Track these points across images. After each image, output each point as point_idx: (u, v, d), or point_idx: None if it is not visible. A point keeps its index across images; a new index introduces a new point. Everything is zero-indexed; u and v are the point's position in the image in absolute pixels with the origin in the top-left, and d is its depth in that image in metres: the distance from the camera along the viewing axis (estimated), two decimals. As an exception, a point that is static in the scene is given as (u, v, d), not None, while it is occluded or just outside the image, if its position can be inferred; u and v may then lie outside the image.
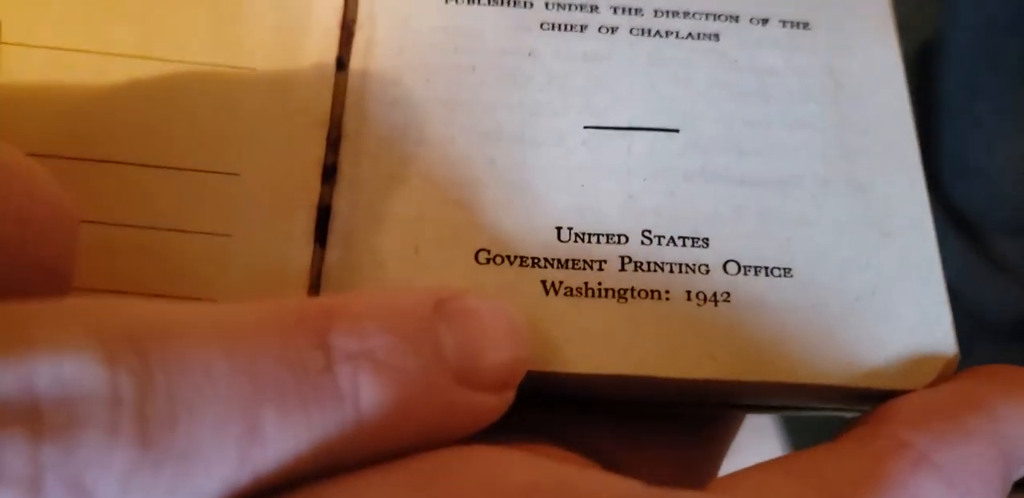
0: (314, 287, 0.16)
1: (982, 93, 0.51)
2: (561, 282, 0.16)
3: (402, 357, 0.12)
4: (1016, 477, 0.15)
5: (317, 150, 0.17)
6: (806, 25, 0.19)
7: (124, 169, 0.17)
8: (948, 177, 0.52)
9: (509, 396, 0.14)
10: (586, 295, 0.16)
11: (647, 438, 0.17)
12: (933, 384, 0.16)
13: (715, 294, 0.16)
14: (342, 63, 0.18)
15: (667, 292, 0.16)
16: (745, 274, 0.17)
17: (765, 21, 0.19)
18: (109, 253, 0.16)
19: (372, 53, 0.18)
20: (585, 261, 0.16)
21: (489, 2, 0.19)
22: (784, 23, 0.19)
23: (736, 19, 0.19)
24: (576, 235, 0.17)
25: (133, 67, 0.18)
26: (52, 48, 0.18)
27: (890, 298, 0.17)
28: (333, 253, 0.17)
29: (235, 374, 0.11)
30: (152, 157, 0.17)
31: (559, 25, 0.18)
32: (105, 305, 0.11)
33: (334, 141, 0.18)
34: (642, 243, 0.17)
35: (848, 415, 0.18)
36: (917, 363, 0.16)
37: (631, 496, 0.12)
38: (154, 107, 0.17)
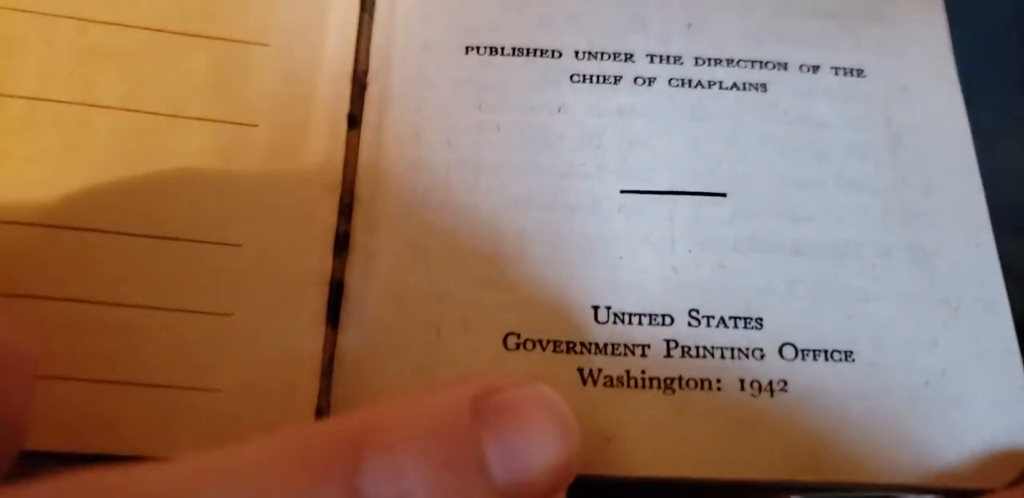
0: (326, 374, 0.15)
1: (982, 93, 0.50)
2: (600, 370, 0.15)
3: (445, 493, 0.11)
4: None
5: (328, 218, 0.16)
6: (861, 72, 0.17)
7: (107, 238, 0.15)
8: None
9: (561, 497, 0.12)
10: (628, 385, 0.15)
11: None
12: (1016, 482, 0.14)
13: (771, 383, 0.15)
14: (354, 120, 0.17)
15: (718, 381, 0.15)
16: (803, 359, 0.15)
17: (816, 68, 0.17)
18: (88, 333, 0.15)
19: (387, 109, 0.17)
20: (626, 345, 0.15)
21: (514, 52, 0.17)
22: (837, 70, 0.17)
23: (785, 67, 0.17)
24: (615, 315, 0.15)
25: (120, 120, 0.16)
26: (31, 98, 0.16)
27: (962, 381, 0.15)
28: (347, 336, 0.15)
29: None
30: (143, 225, 0.15)
31: (591, 77, 0.17)
32: (110, 483, 0.09)
33: (346, 207, 0.16)
34: (689, 325, 0.15)
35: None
36: (995, 458, 0.15)
37: None
38: (141, 167, 0.16)
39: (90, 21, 0.16)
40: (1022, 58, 0.49)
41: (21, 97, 0.16)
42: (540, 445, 0.12)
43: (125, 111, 0.16)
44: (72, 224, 0.15)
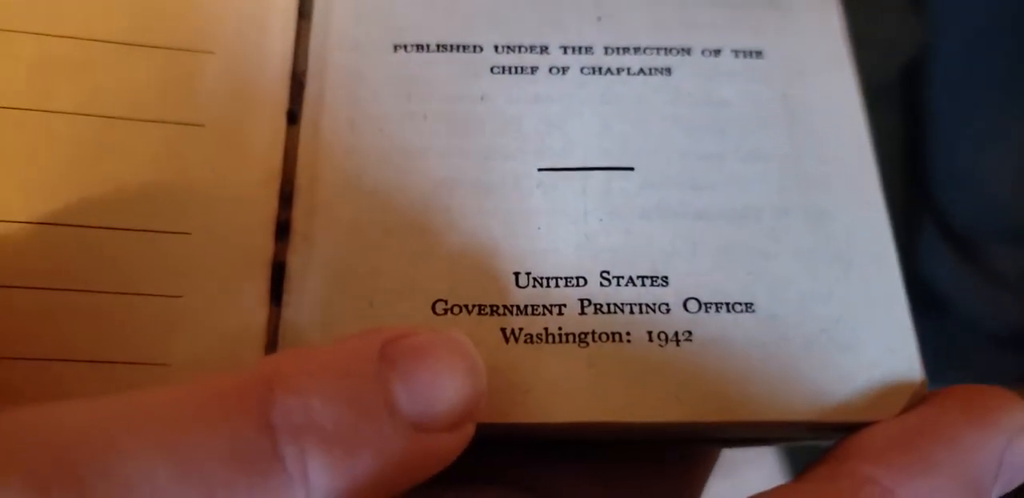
0: (271, 346, 0.16)
1: (971, 102, 0.51)
2: (521, 329, 0.16)
3: (351, 425, 0.12)
4: None
5: (270, 206, 0.17)
6: (759, 54, 0.19)
7: (69, 231, 0.17)
8: (939, 187, 0.52)
9: (470, 429, 0.14)
10: (547, 341, 0.16)
11: (618, 478, 0.17)
12: (901, 413, 0.16)
13: (677, 334, 0.16)
14: (294, 116, 0.18)
15: (628, 334, 0.16)
16: (706, 311, 0.16)
17: (718, 52, 0.19)
18: (54, 318, 0.16)
19: (323, 105, 0.18)
20: (544, 306, 0.16)
21: (438, 48, 0.19)
22: (737, 53, 0.19)
23: (688, 51, 0.19)
24: (535, 280, 0.17)
25: (77, 124, 0.17)
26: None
27: (854, 329, 0.16)
28: (289, 312, 0.16)
29: (180, 481, 0.11)
30: (98, 218, 0.17)
31: (509, 68, 0.18)
32: (28, 425, 0.11)
33: (287, 196, 0.17)
34: (601, 285, 0.17)
35: (824, 443, 0.17)
36: (884, 393, 0.16)
37: None
38: (99, 166, 0.17)
39: (46, 35, 0.18)
40: (1008, 66, 0.51)
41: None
42: (447, 380, 0.13)
43: (82, 116, 0.18)
44: (34, 219, 0.17)
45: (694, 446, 0.19)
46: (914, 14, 0.48)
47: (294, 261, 0.17)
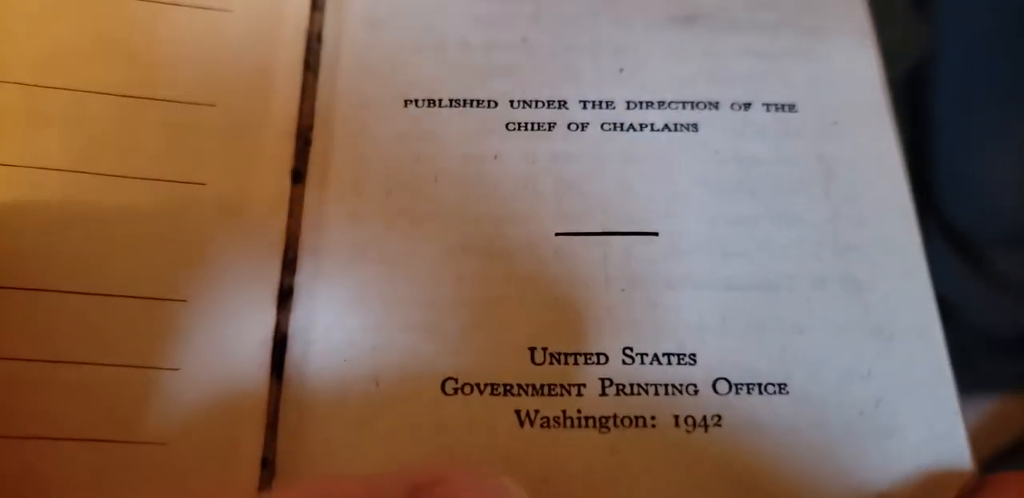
0: (271, 426, 0.15)
1: (975, 108, 0.51)
2: (537, 411, 0.15)
3: None
4: None
5: (272, 273, 0.16)
6: (792, 107, 0.18)
7: (59, 298, 0.16)
8: (943, 193, 0.51)
9: None
10: (565, 425, 0.15)
11: None
12: None
13: (705, 418, 0.15)
14: (299, 175, 0.17)
15: (653, 418, 0.15)
16: (737, 393, 0.15)
17: (748, 106, 0.18)
18: (40, 391, 0.15)
19: (330, 164, 0.17)
20: (562, 386, 0.15)
21: (451, 103, 0.18)
22: (768, 106, 0.18)
23: (716, 106, 0.18)
24: (551, 356, 0.15)
25: (71, 181, 0.17)
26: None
27: (896, 411, 0.15)
28: (290, 389, 0.15)
29: None
30: (90, 284, 0.16)
31: (526, 125, 0.17)
32: None
33: (290, 262, 0.16)
34: (624, 362, 0.15)
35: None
36: (930, 483, 0.15)
37: None
38: (94, 228, 0.16)
39: (38, 86, 0.17)
40: (1013, 72, 0.50)
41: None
42: None
43: (75, 173, 0.17)
44: (19, 284, 0.16)
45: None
46: (919, 19, 0.48)
47: (296, 333, 0.16)
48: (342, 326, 0.16)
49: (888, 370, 0.16)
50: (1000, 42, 0.50)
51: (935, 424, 0.15)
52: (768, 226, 0.17)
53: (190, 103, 0.18)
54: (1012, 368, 0.53)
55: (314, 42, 0.18)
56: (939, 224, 0.52)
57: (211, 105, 0.18)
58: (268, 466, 0.15)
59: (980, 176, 0.52)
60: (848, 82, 0.18)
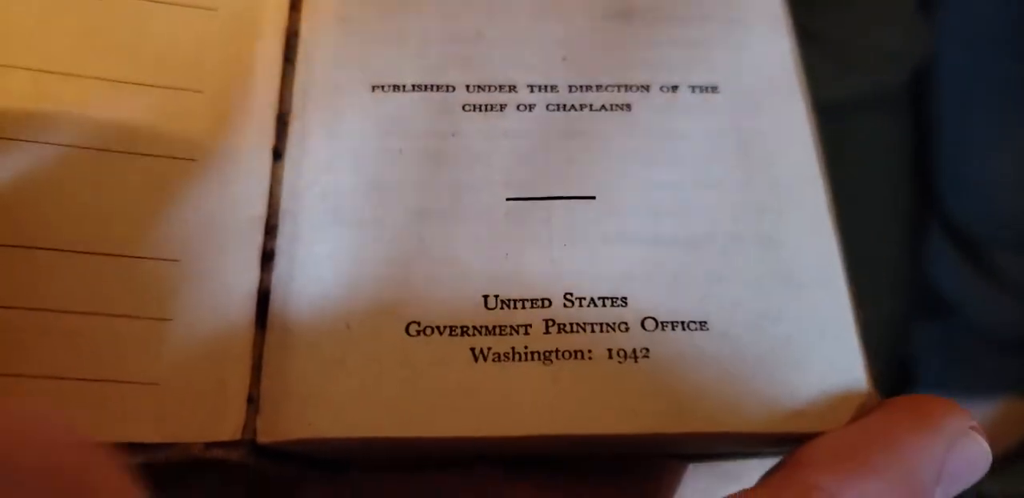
0: (256, 367, 0.17)
1: (977, 110, 0.52)
2: (489, 348, 0.17)
3: None
4: None
5: (256, 238, 0.19)
6: (715, 89, 0.20)
7: (61, 256, 0.18)
8: (946, 194, 0.53)
9: None
10: (513, 359, 0.17)
11: (581, 494, 0.18)
12: (849, 423, 0.17)
13: (635, 350, 0.17)
14: (278, 153, 0.19)
15: (589, 352, 0.17)
16: (663, 329, 0.17)
17: (675, 88, 0.20)
18: (47, 336, 0.17)
19: (305, 143, 0.19)
20: (511, 326, 0.17)
21: (413, 88, 0.20)
22: (694, 88, 0.20)
23: (647, 88, 0.20)
24: (502, 302, 0.18)
25: (75, 156, 0.19)
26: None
27: (803, 347, 0.17)
28: (272, 335, 0.18)
29: None
30: (91, 244, 0.18)
31: (480, 106, 0.20)
32: None
33: (271, 228, 0.19)
34: (564, 305, 0.18)
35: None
36: (832, 405, 0.17)
37: None
38: (95, 195, 0.18)
39: (43, 71, 0.19)
40: (1014, 74, 0.52)
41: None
42: None
43: (76, 148, 0.19)
44: (23, 243, 0.18)
45: (657, 461, 0.20)
46: (923, 23, 0.49)
47: (277, 288, 0.18)
48: (317, 281, 0.18)
49: (796, 313, 0.18)
50: (1003, 45, 0.52)
51: (838, 357, 0.17)
52: (691, 190, 0.19)
53: (180, 89, 0.20)
54: (1015, 369, 0.54)
55: (292, 37, 0.21)
56: (942, 224, 0.54)
57: (198, 91, 0.20)
58: (253, 402, 0.17)
59: (983, 177, 0.54)
60: (764, 66, 0.21)
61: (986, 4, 0.50)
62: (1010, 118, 0.51)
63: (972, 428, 0.17)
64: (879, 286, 0.50)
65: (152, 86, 0.20)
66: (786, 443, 0.17)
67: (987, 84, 0.52)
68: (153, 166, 0.19)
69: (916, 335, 0.53)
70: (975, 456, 0.17)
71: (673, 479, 0.20)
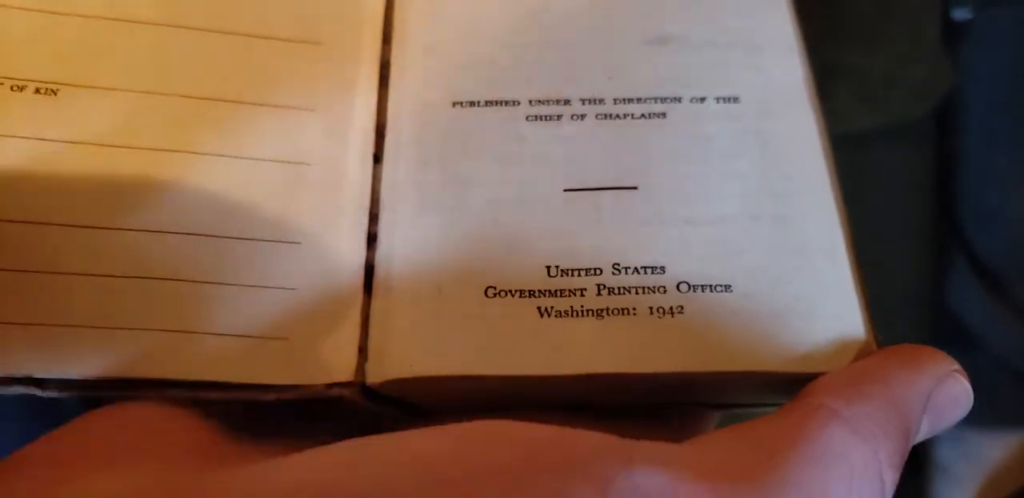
0: (364, 325, 0.22)
1: (1000, 143, 0.54)
2: (552, 307, 0.21)
3: None
4: (915, 429, 0.19)
5: (362, 223, 0.23)
6: (736, 99, 0.24)
7: (212, 241, 0.22)
8: (969, 226, 0.54)
9: None
10: (572, 316, 0.21)
11: (627, 425, 0.22)
12: (850, 364, 0.20)
13: (671, 308, 0.21)
14: (378, 158, 0.24)
15: (634, 309, 0.21)
16: (694, 291, 0.21)
17: (703, 99, 0.24)
18: (203, 303, 0.22)
19: (399, 149, 0.24)
20: (569, 290, 0.21)
21: (486, 103, 0.24)
22: (719, 99, 0.24)
23: (679, 100, 0.24)
24: (562, 271, 0.22)
25: (207, 163, 0.23)
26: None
27: (811, 304, 0.21)
28: (377, 301, 0.22)
29: None
30: (215, 228, 0.22)
31: (540, 116, 0.24)
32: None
33: (374, 216, 0.23)
34: (613, 273, 0.22)
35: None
36: (835, 350, 0.21)
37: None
38: (221, 196, 0.23)
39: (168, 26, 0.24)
40: None
41: None
42: None
43: (213, 156, 0.23)
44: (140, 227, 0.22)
45: (688, 408, 0.24)
46: (947, 58, 0.51)
47: (380, 264, 0.22)
48: (412, 257, 0.22)
49: (805, 277, 0.22)
50: (1021, 76, 0.53)
51: (839, 311, 0.21)
52: (717, 180, 0.23)
53: (292, 107, 0.25)
54: None
55: (385, 66, 0.25)
56: (966, 256, 0.55)
57: (311, 110, 0.25)
58: (363, 352, 0.22)
59: (1006, 214, 0.55)
60: (778, 82, 0.25)
61: (1010, 39, 0.51)
62: None
63: (956, 371, 0.21)
64: (900, 314, 0.52)
65: (276, 106, 0.24)
66: (797, 385, 0.21)
67: (1011, 118, 0.53)
68: (281, 170, 0.23)
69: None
70: (958, 393, 0.21)
71: (704, 425, 0.24)
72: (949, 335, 0.55)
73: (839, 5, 0.46)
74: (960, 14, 0.47)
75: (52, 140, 0.23)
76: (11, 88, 0.23)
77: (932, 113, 0.51)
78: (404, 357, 0.21)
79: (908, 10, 0.47)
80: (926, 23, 0.47)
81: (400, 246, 0.22)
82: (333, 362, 0.22)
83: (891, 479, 0.18)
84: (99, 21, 0.24)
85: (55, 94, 0.23)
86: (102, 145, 0.23)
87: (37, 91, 0.23)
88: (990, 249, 0.56)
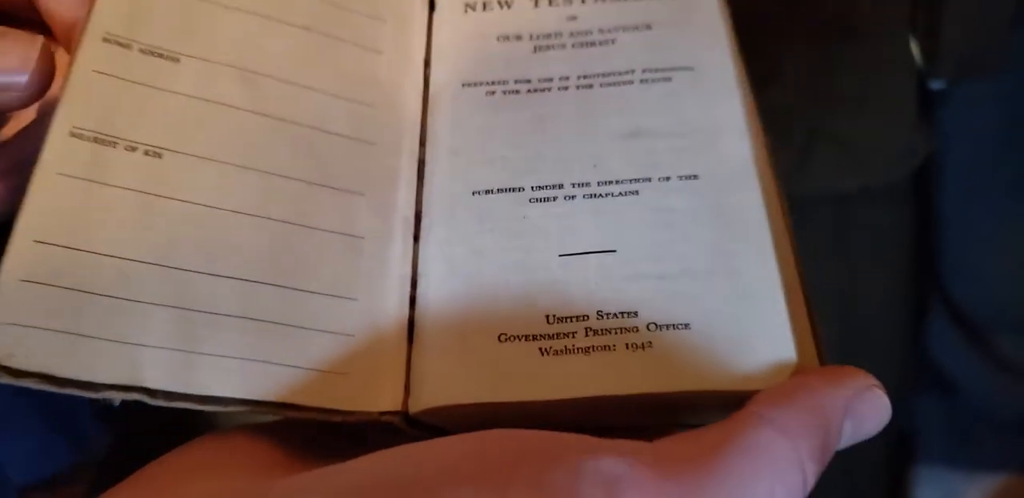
0: (407, 367, 0.28)
1: (978, 201, 0.58)
2: (551, 347, 0.27)
3: None
4: (837, 431, 0.25)
5: (406, 287, 0.30)
6: (696, 177, 0.30)
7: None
8: (950, 280, 0.57)
9: None
10: (566, 353, 0.27)
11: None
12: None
13: (643, 343, 0.27)
14: (416, 237, 0.31)
15: (614, 346, 0.27)
16: (661, 330, 0.27)
17: (668, 179, 0.31)
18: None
19: (432, 230, 0.31)
20: (564, 333, 0.28)
21: (498, 191, 0.31)
22: (681, 177, 0.31)
23: (649, 180, 0.31)
24: (558, 318, 0.28)
25: (283, 229, 0.30)
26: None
27: (753, 337, 0.27)
28: (416, 348, 0.28)
29: None
30: (297, 283, 0.29)
31: (540, 199, 0.31)
32: None
33: (414, 282, 0.30)
34: (597, 319, 0.28)
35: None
36: (773, 371, 0.26)
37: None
38: (297, 257, 0.29)
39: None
40: (1013, 167, 0.58)
41: None
42: None
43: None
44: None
45: (666, 428, 0.29)
46: (926, 126, 0.55)
47: (418, 321, 0.29)
48: (442, 314, 0.29)
49: (749, 318, 0.27)
50: (1001, 150, 0.57)
51: (775, 343, 0.26)
52: (681, 243, 0.29)
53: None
54: (1016, 448, 0.57)
55: (421, 164, 0.33)
56: (947, 309, 0.58)
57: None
58: (406, 388, 0.28)
59: (985, 271, 0.57)
60: (731, 161, 0.31)
61: (985, 106, 0.56)
62: (1009, 210, 0.56)
63: (875, 386, 0.26)
64: (879, 361, 0.56)
65: (336, 189, 0.31)
66: (743, 401, 0.26)
67: (988, 176, 0.56)
68: (342, 241, 0.30)
69: (919, 410, 0.56)
70: (877, 405, 0.26)
71: None
72: (930, 383, 0.58)
73: (825, 77, 0.52)
74: (937, 85, 0.52)
75: (155, 195, 0.27)
76: (125, 148, 0.26)
77: (911, 175, 0.55)
78: (437, 391, 0.27)
79: (888, 81, 0.52)
80: (905, 93, 0.52)
81: (433, 305, 0.29)
82: (383, 395, 0.28)
83: (812, 470, 0.24)
84: (193, 100, 0.28)
85: (160, 157, 0.27)
86: (197, 204, 0.27)
87: (146, 153, 0.27)
88: (970, 302, 0.58)
